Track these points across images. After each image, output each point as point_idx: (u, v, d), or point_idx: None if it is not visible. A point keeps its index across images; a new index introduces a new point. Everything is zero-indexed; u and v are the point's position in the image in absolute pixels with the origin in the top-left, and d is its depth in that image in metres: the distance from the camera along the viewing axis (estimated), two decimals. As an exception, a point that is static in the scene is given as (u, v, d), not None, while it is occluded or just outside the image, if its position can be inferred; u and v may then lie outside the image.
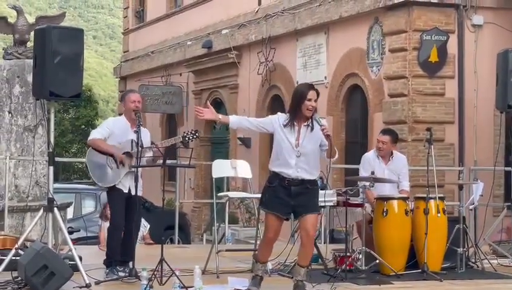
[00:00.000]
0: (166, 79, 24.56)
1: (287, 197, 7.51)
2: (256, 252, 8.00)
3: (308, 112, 7.47)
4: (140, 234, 12.26)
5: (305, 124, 7.52)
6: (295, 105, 7.52)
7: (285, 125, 7.53)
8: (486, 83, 14.01)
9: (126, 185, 8.59)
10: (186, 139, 8.43)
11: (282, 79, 18.75)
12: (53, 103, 8.54)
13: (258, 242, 8.45)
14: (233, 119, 7.71)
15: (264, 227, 7.80)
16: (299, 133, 7.52)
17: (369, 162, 9.73)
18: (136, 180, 8.35)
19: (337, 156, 7.67)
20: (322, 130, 7.44)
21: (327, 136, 7.45)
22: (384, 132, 10.04)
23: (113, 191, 8.62)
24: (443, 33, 14.72)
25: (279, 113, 7.70)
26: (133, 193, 8.51)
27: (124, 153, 8.54)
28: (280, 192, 7.52)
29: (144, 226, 12.69)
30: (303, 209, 7.53)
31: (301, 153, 7.50)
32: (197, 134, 8.41)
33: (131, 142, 8.49)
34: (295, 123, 7.51)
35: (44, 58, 8.25)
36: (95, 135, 8.69)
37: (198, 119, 22.86)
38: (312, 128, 7.52)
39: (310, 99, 7.46)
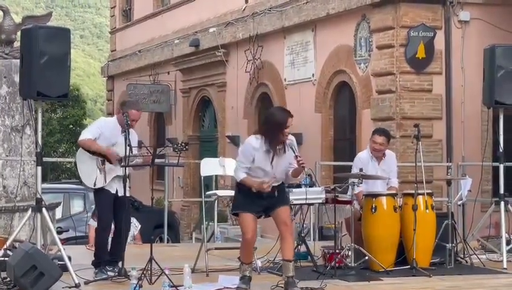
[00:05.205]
0: (154, 78, 24.54)
1: (259, 200, 7.74)
2: (239, 256, 8.03)
3: (286, 138, 7.67)
4: (131, 233, 12.26)
5: (279, 147, 7.70)
6: (273, 131, 7.64)
7: (262, 150, 7.65)
8: (474, 79, 14.05)
9: (113, 185, 8.58)
10: (176, 150, 8.39)
11: (270, 77, 18.75)
12: (40, 103, 8.52)
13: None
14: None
15: (242, 230, 7.88)
16: (273, 158, 7.68)
17: (363, 163, 9.66)
18: (125, 181, 8.34)
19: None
20: (298, 161, 7.66)
21: (303, 168, 7.75)
22: (380, 132, 9.90)
23: (100, 191, 8.60)
24: (430, 29, 14.76)
25: (250, 139, 7.79)
26: (120, 193, 8.51)
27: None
28: (252, 194, 7.72)
29: (135, 227, 12.68)
30: (274, 204, 7.77)
31: (274, 173, 7.74)
32: (186, 147, 8.40)
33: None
34: (271, 149, 7.65)
35: (31, 58, 8.23)
36: (85, 135, 8.64)
37: (186, 118, 22.96)
38: (284, 151, 7.73)
39: (287, 127, 7.65)
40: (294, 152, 7.70)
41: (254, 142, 7.68)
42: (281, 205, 7.80)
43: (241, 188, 7.81)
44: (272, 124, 7.68)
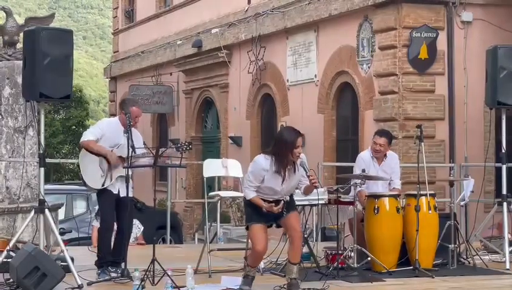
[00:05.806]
0: (156, 79, 24.55)
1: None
2: (247, 257, 8.03)
3: (296, 158, 7.64)
4: (133, 235, 12.27)
5: (289, 167, 7.66)
6: (283, 152, 7.59)
7: (272, 171, 7.60)
8: (476, 80, 14.07)
9: (116, 186, 8.59)
10: (180, 150, 8.40)
11: (273, 78, 18.76)
12: (43, 104, 8.53)
13: (249, 242, 8.44)
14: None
15: (252, 241, 7.84)
16: (283, 178, 7.65)
17: (364, 163, 9.70)
18: (127, 181, 8.34)
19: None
20: (311, 181, 7.66)
21: (316, 187, 7.75)
22: (381, 133, 9.94)
23: (103, 192, 8.60)
24: (432, 30, 14.76)
25: (259, 159, 7.70)
26: (122, 194, 8.51)
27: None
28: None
29: (138, 228, 12.69)
30: (284, 211, 7.73)
31: (284, 193, 7.74)
32: (190, 146, 8.40)
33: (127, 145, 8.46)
34: (281, 170, 7.61)
35: (34, 59, 8.24)
36: (87, 136, 8.64)
37: (188, 119, 22.98)
38: (294, 171, 7.69)
39: (297, 147, 7.59)
40: (306, 171, 7.68)
41: (264, 163, 7.63)
42: (290, 211, 7.80)
43: (250, 201, 7.77)
44: (281, 144, 7.63)
